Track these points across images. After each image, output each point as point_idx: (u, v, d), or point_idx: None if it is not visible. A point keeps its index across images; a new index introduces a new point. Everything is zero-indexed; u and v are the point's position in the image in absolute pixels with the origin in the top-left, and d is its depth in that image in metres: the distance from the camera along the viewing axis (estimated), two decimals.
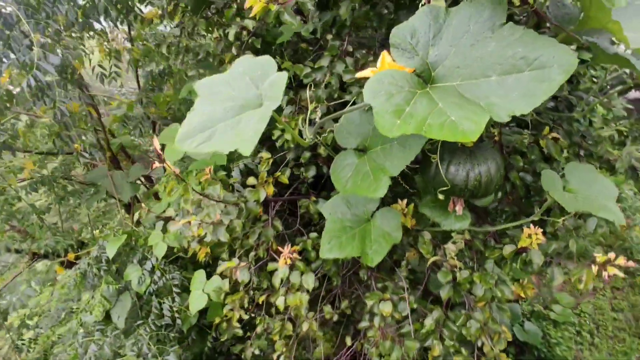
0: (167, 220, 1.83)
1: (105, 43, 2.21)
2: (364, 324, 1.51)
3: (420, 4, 0.85)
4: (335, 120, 1.27)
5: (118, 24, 1.97)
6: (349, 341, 1.68)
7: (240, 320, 1.78)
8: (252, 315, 1.82)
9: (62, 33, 1.53)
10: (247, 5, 0.93)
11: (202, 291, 2.02)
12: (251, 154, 1.79)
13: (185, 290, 2.25)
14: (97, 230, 3.23)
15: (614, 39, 0.90)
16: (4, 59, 1.49)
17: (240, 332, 1.83)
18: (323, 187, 1.98)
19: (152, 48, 2.03)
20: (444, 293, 1.39)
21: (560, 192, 1.14)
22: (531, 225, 1.17)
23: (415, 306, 1.47)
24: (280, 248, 1.29)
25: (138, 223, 2.74)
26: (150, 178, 3.42)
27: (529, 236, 1.15)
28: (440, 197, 1.08)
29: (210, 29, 1.79)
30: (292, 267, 1.36)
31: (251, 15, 0.93)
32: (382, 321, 1.47)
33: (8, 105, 1.71)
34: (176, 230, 1.72)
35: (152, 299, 2.22)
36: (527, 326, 3.51)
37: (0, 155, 1.94)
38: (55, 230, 2.72)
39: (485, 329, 1.48)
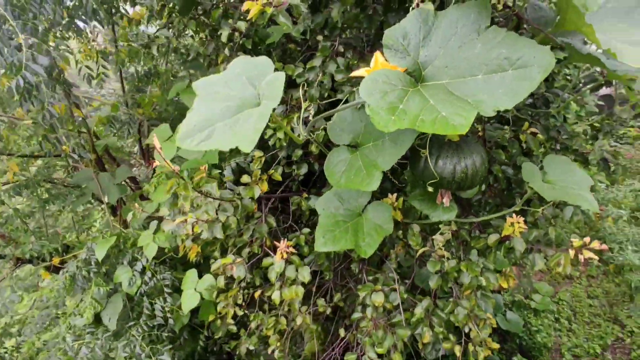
0: (160, 219, 1.84)
1: (88, 43, 2.19)
2: (356, 315, 1.56)
3: (411, 8, 0.90)
4: (328, 118, 1.32)
5: (102, 24, 1.97)
6: (342, 332, 1.73)
7: (234, 316, 1.81)
8: (246, 312, 1.85)
9: (49, 34, 1.53)
10: (244, 8, 0.96)
11: (194, 290, 2.04)
12: (242, 152, 1.83)
13: (177, 290, 2.26)
14: (84, 234, 3.18)
15: (586, 39, 0.98)
16: None
17: (234, 328, 1.86)
18: (314, 184, 2.02)
19: (138, 49, 2.02)
20: (433, 282, 1.46)
21: (539, 183, 1.21)
22: (513, 215, 1.25)
23: (405, 296, 1.54)
24: (276, 243, 1.33)
25: (125, 225, 2.72)
26: (136, 180, 3.39)
27: (512, 225, 1.22)
28: (430, 189, 1.14)
29: (198, 29, 1.81)
30: (287, 262, 1.40)
31: (248, 17, 0.96)
32: (374, 312, 1.52)
33: None
34: (170, 230, 1.73)
35: (144, 299, 2.22)
36: (509, 315, 3.64)
37: None
38: (40, 234, 2.67)
39: (471, 316, 1.55)
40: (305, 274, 1.37)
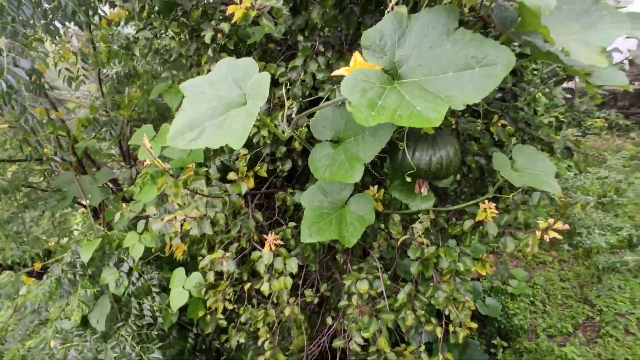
0: (146, 219, 1.86)
1: (64, 45, 2.18)
2: (343, 303, 1.63)
3: (386, 11, 0.97)
4: (310, 116, 1.38)
5: (81, 26, 1.96)
6: (329, 321, 1.80)
7: (224, 311, 1.85)
8: (235, 306, 1.90)
9: (29, 37, 1.52)
10: (229, 12, 1.01)
11: (182, 288, 2.07)
12: (227, 151, 1.87)
13: (164, 290, 2.28)
14: (65, 238, 3.14)
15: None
16: None
17: (224, 322, 1.90)
18: (297, 180, 2.08)
19: (117, 50, 2.02)
20: (414, 268, 1.55)
21: (509, 171, 1.31)
22: (486, 202, 1.34)
23: (388, 283, 1.62)
24: (264, 236, 1.39)
25: (109, 227, 2.72)
26: (117, 182, 3.37)
27: (485, 211, 1.32)
28: (408, 179, 1.22)
29: (179, 30, 1.83)
30: (275, 254, 1.45)
31: (233, 20, 1.01)
32: (359, 299, 1.60)
33: None
34: (157, 229, 1.76)
35: (131, 300, 2.23)
36: (488, 301, 3.80)
37: None
38: (20, 240, 2.64)
39: (451, 299, 1.65)
40: (293, 265, 1.43)
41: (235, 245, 1.65)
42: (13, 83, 1.41)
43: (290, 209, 1.86)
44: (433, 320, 1.68)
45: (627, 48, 1.73)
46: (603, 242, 3.59)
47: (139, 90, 2.45)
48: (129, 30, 2.79)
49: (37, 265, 2.66)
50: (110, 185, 3.13)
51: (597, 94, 1.56)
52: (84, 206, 3.12)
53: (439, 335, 1.68)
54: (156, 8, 1.78)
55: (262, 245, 1.50)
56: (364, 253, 1.97)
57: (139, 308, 2.20)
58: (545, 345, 3.31)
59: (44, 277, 2.31)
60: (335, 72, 1.01)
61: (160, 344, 2.11)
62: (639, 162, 5.48)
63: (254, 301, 2.00)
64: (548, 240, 1.19)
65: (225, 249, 1.74)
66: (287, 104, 1.28)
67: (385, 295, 1.63)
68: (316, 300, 1.83)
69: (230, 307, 1.79)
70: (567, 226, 1.17)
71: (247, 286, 1.65)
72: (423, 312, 1.60)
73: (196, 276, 2.06)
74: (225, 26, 1.39)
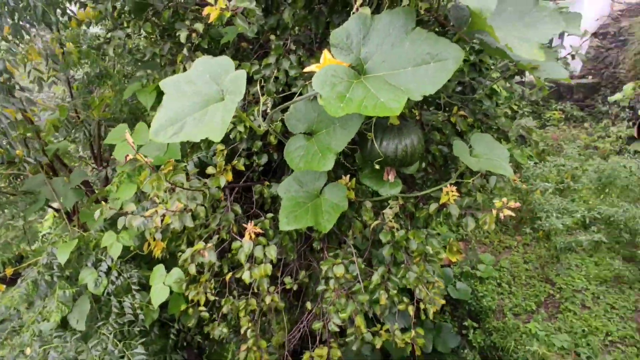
0: (127, 215, 1.89)
1: (33, 46, 2.16)
2: (321, 287, 1.73)
3: (352, 12, 1.06)
4: (284, 111, 1.46)
5: (51, 27, 1.96)
6: (309, 306, 1.89)
7: (206, 303, 1.91)
8: (216, 299, 1.96)
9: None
10: (204, 12, 1.08)
11: (163, 284, 2.11)
12: (204, 148, 1.93)
13: (144, 288, 2.31)
14: (37, 242, 3.08)
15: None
16: None
17: (207, 315, 1.96)
18: (273, 174, 2.16)
19: (87, 50, 2.03)
20: (386, 251, 1.66)
21: (468, 157, 1.44)
22: (448, 186, 1.47)
23: (363, 266, 1.72)
24: (244, 225, 1.46)
25: (83, 228, 2.70)
26: (89, 184, 3.33)
27: (447, 194, 1.44)
28: (377, 167, 1.32)
29: (152, 31, 1.87)
30: (255, 243, 1.53)
31: (209, 21, 1.08)
32: (336, 283, 1.70)
33: None
34: (137, 226, 1.79)
35: (111, 299, 2.24)
36: (459, 285, 4.01)
37: None
38: None
39: (421, 279, 1.77)
40: (272, 252, 1.51)
41: (216, 237, 1.71)
42: None
43: (268, 201, 1.94)
44: (405, 299, 1.80)
45: (570, 44, 1.90)
46: (560, 224, 3.86)
47: (111, 90, 2.45)
48: (95, 30, 2.77)
49: (9, 271, 2.62)
50: (83, 188, 3.09)
51: (545, 86, 1.71)
52: (56, 209, 3.07)
53: (411, 313, 1.80)
54: (127, 8, 1.81)
55: (242, 237, 1.57)
56: (340, 244, 2.07)
57: (120, 306, 2.22)
58: (511, 323, 3.53)
59: (19, 281, 2.29)
60: (307, 69, 1.10)
61: (142, 340, 2.13)
62: (592, 151, 5.86)
63: (235, 293, 2.07)
64: (502, 217, 1.33)
65: (206, 242, 1.80)
66: (262, 99, 1.36)
67: (360, 278, 1.74)
68: (295, 287, 1.91)
69: (212, 298, 1.85)
70: (517, 204, 1.30)
71: (228, 275, 1.71)
72: (395, 292, 1.72)
73: (176, 272, 2.10)
74: (199, 26, 1.45)
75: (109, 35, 1.95)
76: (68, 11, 2.07)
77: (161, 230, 1.73)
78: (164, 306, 2.27)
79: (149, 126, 2.04)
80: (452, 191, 1.43)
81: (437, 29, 1.44)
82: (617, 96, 6.22)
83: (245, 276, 1.64)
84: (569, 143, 5.94)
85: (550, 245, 4.08)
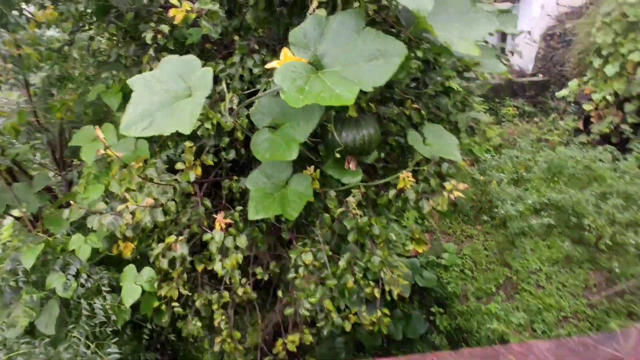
0: (98, 214, 1.90)
1: None
2: (291, 275, 1.82)
3: (308, 13, 1.17)
4: (249, 106, 1.54)
5: (8, 28, 1.94)
6: (280, 294, 1.97)
7: (179, 299, 1.95)
8: (189, 294, 2.00)
9: None
10: (170, 14, 1.15)
11: (134, 283, 2.13)
12: (172, 146, 1.97)
13: (114, 290, 2.31)
14: None
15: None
16: None
17: (180, 310, 2.00)
18: (241, 171, 2.22)
19: (49, 52, 2.02)
20: (351, 237, 1.77)
21: (421, 145, 1.58)
22: (404, 172, 1.60)
23: (330, 253, 1.83)
24: (215, 216, 1.52)
25: (48, 234, 2.65)
26: (51, 189, 3.25)
27: (404, 180, 1.57)
28: (338, 156, 1.43)
29: (115, 32, 1.90)
30: (226, 234, 1.60)
31: (175, 22, 1.15)
32: (305, 270, 1.79)
33: None
34: (107, 224, 1.81)
35: (81, 302, 2.23)
36: (425, 274, 4.20)
37: None
38: None
39: (385, 263, 1.89)
40: (242, 241, 1.59)
41: (187, 231, 1.76)
42: None
43: (237, 196, 2.00)
44: (371, 283, 1.91)
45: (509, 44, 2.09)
46: (514, 211, 4.14)
47: (73, 93, 2.43)
48: (52, 33, 2.72)
49: None
50: (47, 193, 3.02)
51: (488, 82, 1.89)
52: (16, 218, 2.99)
53: (377, 295, 1.92)
54: (89, 10, 1.83)
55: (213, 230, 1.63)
56: (308, 234, 2.16)
57: (90, 308, 2.21)
58: (474, 306, 3.76)
59: None
60: (268, 65, 1.19)
61: (116, 339, 2.14)
62: (543, 143, 6.28)
63: (208, 288, 2.12)
64: (454, 199, 1.47)
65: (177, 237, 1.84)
66: (228, 96, 1.44)
67: (328, 265, 1.84)
68: (266, 277, 1.99)
69: (185, 292, 1.89)
70: (465, 185, 1.45)
71: (200, 267, 1.77)
72: (361, 275, 1.84)
73: (148, 271, 2.13)
74: (165, 27, 1.51)
75: (70, 37, 1.96)
76: (26, 12, 2.06)
77: (132, 227, 1.76)
78: (135, 307, 2.28)
79: (115, 127, 2.07)
80: (408, 177, 1.56)
81: (389, 30, 1.57)
82: (564, 92, 6.68)
83: (217, 267, 1.70)
84: (522, 137, 6.33)
85: (507, 232, 4.35)
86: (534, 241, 4.17)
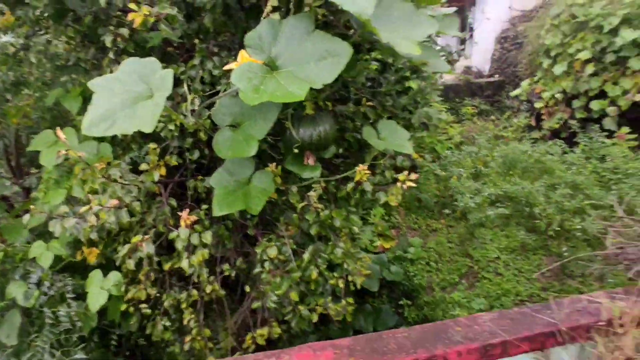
0: (61, 218, 1.88)
1: None
2: (257, 270, 1.88)
3: (262, 17, 1.24)
4: (210, 107, 1.60)
5: None
6: (247, 288, 2.03)
7: (147, 300, 1.96)
8: (157, 295, 2.02)
9: None
10: (129, 18, 1.19)
11: (100, 288, 2.12)
12: (136, 148, 1.99)
13: (80, 297, 2.28)
14: None
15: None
16: None
17: (148, 311, 2.01)
18: (207, 171, 2.26)
19: (5, 58, 1.98)
20: (313, 230, 1.85)
21: (375, 140, 1.69)
22: (360, 166, 1.70)
23: (294, 247, 1.90)
24: (179, 213, 1.57)
25: (4, 242, 2.58)
26: (7, 198, 3.15)
27: (360, 172, 1.67)
28: (296, 151, 1.51)
29: (73, 36, 1.90)
30: (191, 231, 1.64)
31: (134, 26, 1.19)
32: (270, 264, 1.86)
33: None
34: (70, 227, 1.81)
35: (44, 310, 2.19)
36: (393, 269, 4.34)
37: None
38: None
39: (348, 254, 1.99)
40: (208, 237, 1.64)
41: (153, 231, 1.79)
42: None
43: (203, 196, 2.04)
44: (335, 274, 2.00)
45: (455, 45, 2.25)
46: (472, 203, 4.36)
47: (30, 98, 2.39)
48: (7, 38, 2.66)
49: None
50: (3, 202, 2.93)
51: (435, 81, 2.03)
52: None
53: (342, 285, 2.01)
54: (46, 14, 1.83)
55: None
56: (273, 230, 2.23)
57: (54, 316, 2.18)
58: (439, 296, 3.93)
59: None
60: (226, 67, 1.26)
61: (83, 345, 2.12)
62: (500, 140, 6.62)
63: (176, 289, 2.14)
64: (406, 188, 1.59)
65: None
66: (189, 98, 1.49)
67: (292, 258, 1.91)
68: (233, 274, 2.04)
69: (152, 292, 1.91)
70: (417, 175, 1.57)
71: (167, 266, 1.80)
72: (325, 266, 1.92)
73: (114, 275, 2.12)
74: (124, 31, 1.54)
75: (25, 42, 1.94)
76: None
77: (97, 230, 1.77)
78: (103, 313, 2.26)
79: (77, 131, 2.06)
80: (364, 170, 1.66)
81: (341, 32, 1.67)
82: (517, 91, 7.09)
83: (184, 265, 1.74)
84: (480, 134, 6.65)
85: (468, 224, 4.58)
86: (492, 232, 4.41)
